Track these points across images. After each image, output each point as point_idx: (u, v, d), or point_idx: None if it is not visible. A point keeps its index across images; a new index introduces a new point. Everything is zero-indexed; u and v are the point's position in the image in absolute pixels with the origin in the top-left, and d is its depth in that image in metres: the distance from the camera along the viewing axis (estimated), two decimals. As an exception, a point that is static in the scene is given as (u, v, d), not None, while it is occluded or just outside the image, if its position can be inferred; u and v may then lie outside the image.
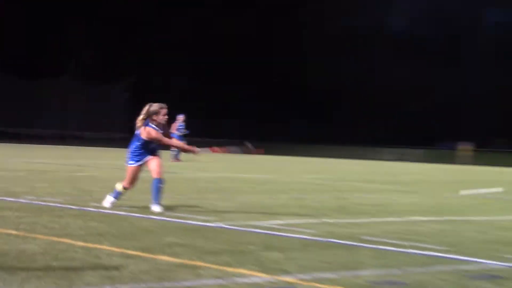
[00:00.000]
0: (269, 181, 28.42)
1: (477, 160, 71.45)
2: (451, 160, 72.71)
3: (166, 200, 15.55)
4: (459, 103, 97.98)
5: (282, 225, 13.48)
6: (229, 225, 13.26)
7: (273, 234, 12.24)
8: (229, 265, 9.11)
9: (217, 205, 16.89)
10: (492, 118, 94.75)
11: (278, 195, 21.22)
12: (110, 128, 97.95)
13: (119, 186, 15.42)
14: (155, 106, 15.75)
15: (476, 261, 10.25)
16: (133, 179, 15.59)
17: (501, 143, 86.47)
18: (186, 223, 13.39)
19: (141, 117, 15.62)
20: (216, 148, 71.51)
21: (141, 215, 14.23)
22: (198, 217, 14.23)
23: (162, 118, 15.72)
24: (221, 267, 8.92)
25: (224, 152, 66.48)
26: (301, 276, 8.58)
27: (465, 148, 76.40)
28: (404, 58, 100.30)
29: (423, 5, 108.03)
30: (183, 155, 39.79)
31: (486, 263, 10.14)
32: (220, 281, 8.07)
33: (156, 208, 15.11)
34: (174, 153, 39.39)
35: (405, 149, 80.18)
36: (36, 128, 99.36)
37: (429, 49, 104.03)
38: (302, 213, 16.04)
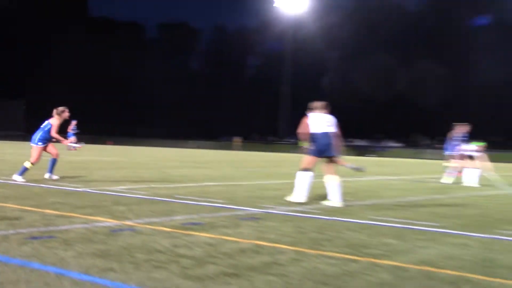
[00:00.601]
0: (117, 162, 27.97)
1: (244, 148, 72.79)
2: (229, 148, 73.77)
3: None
4: (232, 108, 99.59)
5: (125, 189, 13.30)
6: (92, 189, 12.96)
7: (120, 195, 12.04)
8: (91, 215, 8.92)
9: (84, 177, 16.46)
10: (254, 118, 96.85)
11: (123, 170, 20.89)
12: (12, 128, 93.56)
13: (27, 164, 14.84)
14: (61, 108, 15.62)
15: (244, 209, 10.41)
16: (39, 157, 15.11)
17: (257, 137, 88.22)
18: (64, 189, 12.99)
19: (56, 114, 15.57)
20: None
21: (34, 184, 13.71)
22: (71, 185, 13.86)
23: (65, 115, 15.61)
24: (86, 216, 8.73)
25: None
26: (138, 221, 8.50)
27: (237, 140, 77.67)
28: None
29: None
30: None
31: (251, 210, 10.32)
32: (85, 225, 7.90)
33: (47, 175, 15.07)
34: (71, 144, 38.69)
35: (200, 141, 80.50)
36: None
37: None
38: (137, 181, 15.84)
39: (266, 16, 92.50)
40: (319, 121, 11.86)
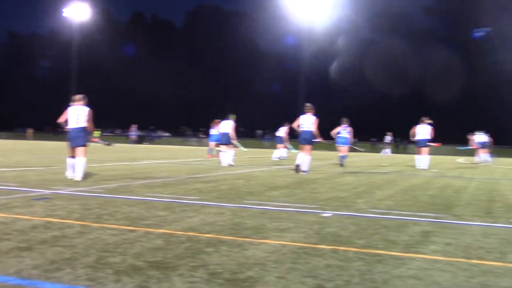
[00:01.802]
0: None
1: (36, 138, 68.53)
2: (23, 138, 69.01)
3: None
4: (27, 103, 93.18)
5: None
6: None
7: None
8: None
9: None
10: (47, 112, 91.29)
11: None
12: None
13: None
14: None
15: (36, 191, 9.77)
16: None
17: (49, 128, 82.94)
18: None
19: None
20: None
21: None
22: None
23: None
24: None
25: None
26: None
27: (30, 131, 72.94)
28: None
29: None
30: None
31: (42, 191, 9.72)
32: None
33: None
34: None
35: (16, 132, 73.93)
36: None
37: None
38: None
39: (55, 24, 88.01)
40: (72, 115, 12.11)
